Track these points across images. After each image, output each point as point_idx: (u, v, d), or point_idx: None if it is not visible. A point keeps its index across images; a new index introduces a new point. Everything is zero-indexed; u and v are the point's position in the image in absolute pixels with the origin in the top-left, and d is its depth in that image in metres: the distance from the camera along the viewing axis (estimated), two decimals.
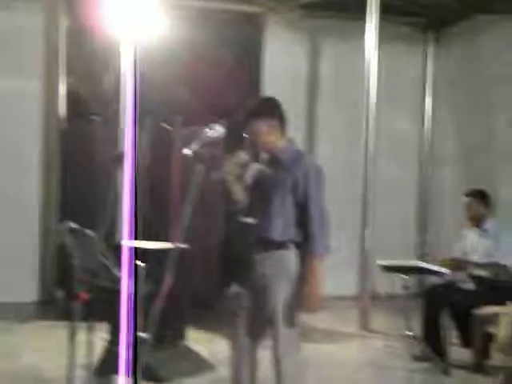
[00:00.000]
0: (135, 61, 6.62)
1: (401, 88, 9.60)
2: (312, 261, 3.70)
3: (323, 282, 3.71)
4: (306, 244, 3.72)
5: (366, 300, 7.45)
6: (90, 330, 3.23)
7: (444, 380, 5.31)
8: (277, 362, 3.77)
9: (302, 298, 3.69)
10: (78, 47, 9.38)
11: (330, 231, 3.78)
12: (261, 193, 3.88)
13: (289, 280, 3.75)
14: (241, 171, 3.87)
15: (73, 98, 8.74)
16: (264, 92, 8.98)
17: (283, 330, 3.73)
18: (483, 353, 5.75)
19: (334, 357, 6.11)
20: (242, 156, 3.86)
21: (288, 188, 3.75)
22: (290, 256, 3.78)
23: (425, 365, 5.71)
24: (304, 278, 3.70)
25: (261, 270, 3.85)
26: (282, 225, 3.76)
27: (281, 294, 3.73)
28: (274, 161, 3.86)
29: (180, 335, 6.14)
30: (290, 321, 3.73)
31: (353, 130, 8.48)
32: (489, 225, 6.07)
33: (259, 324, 3.92)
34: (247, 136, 3.85)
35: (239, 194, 3.90)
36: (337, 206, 8.28)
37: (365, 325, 7.34)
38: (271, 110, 3.85)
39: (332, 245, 3.86)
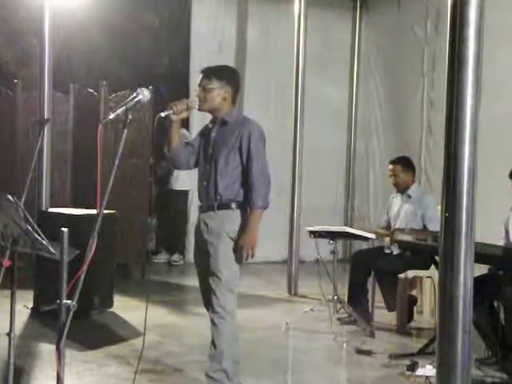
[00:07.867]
0: (53, 24, 6.46)
1: (329, 53, 9.61)
2: (251, 213, 3.81)
3: (257, 236, 3.80)
4: (246, 198, 3.84)
5: (294, 265, 7.52)
6: (13, 297, 3.14)
7: (369, 342, 5.42)
8: (214, 325, 3.80)
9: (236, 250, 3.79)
10: None
11: (269, 190, 3.91)
12: (209, 153, 3.95)
13: (231, 240, 3.82)
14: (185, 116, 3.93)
15: None
16: (192, 56, 8.87)
17: (225, 293, 3.78)
18: (407, 315, 5.91)
19: (264, 321, 6.16)
20: (195, 102, 3.90)
21: (234, 148, 3.86)
22: (233, 215, 3.85)
23: (351, 328, 5.81)
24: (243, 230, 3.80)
25: (204, 231, 3.89)
26: (226, 184, 3.86)
27: (222, 256, 3.79)
28: (222, 123, 3.96)
29: (107, 302, 6.09)
30: (232, 283, 3.79)
31: (281, 94, 8.46)
32: (412, 191, 6.19)
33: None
34: (199, 94, 3.91)
35: (176, 141, 3.94)
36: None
37: (293, 289, 7.42)
38: (230, 77, 3.98)
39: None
